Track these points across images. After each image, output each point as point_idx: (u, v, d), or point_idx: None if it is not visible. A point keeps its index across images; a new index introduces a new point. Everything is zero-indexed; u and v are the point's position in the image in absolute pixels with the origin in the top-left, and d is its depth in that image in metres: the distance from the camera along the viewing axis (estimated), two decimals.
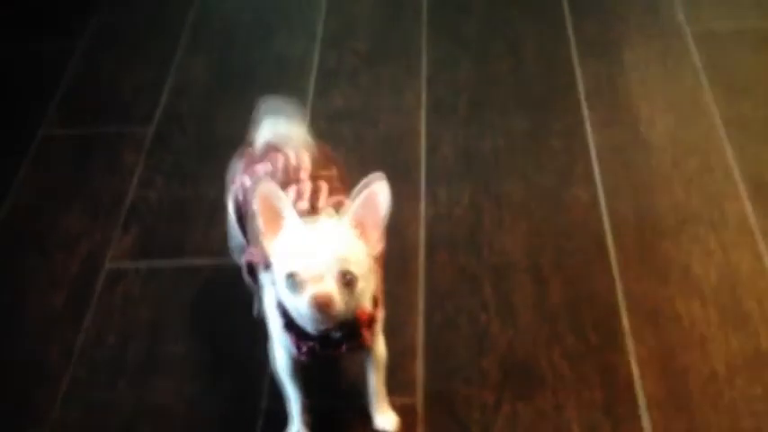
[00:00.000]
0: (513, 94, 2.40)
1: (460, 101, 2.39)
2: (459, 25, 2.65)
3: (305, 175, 1.54)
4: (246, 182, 1.59)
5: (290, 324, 1.44)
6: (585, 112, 2.31)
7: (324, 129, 2.17)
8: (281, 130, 1.68)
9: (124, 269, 2.02)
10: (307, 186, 1.51)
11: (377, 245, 1.40)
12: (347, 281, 1.34)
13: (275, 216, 1.39)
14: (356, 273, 1.35)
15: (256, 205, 1.39)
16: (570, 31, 2.57)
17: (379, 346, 1.58)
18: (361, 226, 1.38)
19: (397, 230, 1.98)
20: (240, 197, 1.60)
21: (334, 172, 1.59)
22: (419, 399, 1.71)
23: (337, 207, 1.45)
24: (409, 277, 1.94)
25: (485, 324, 1.84)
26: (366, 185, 1.37)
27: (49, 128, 2.41)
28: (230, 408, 1.74)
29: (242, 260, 1.56)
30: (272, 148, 1.62)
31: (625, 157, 2.18)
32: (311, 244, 1.36)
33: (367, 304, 1.44)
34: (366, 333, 1.46)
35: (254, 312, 1.79)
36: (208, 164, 2.26)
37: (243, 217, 1.59)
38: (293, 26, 2.70)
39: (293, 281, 1.34)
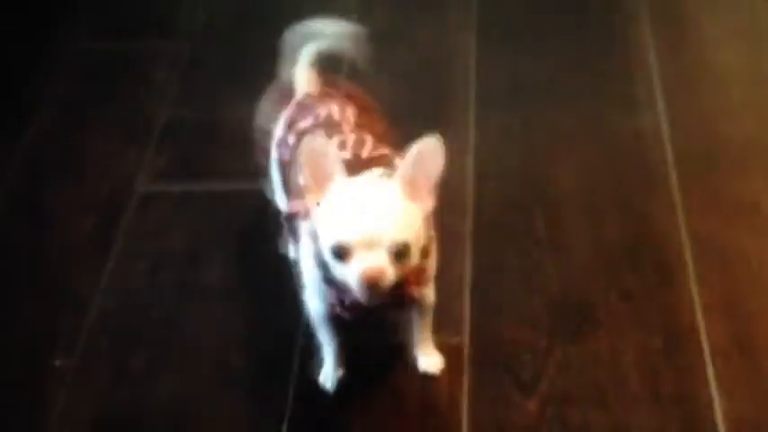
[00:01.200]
0: (568, 14, 2.30)
1: (512, 22, 2.30)
2: None
3: (348, 128, 1.46)
4: (290, 139, 1.50)
5: (329, 279, 1.35)
6: (649, 34, 2.21)
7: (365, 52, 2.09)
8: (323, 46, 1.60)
9: (156, 192, 1.95)
10: (351, 137, 1.42)
11: (428, 203, 1.30)
12: (400, 251, 1.25)
13: (322, 174, 1.29)
14: (410, 242, 1.26)
15: (302, 160, 1.29)
16: None
17: (429, 295, 1.49)
18: (411, 185, 1.29)
19: (445, 159, 1.88)
20: (285, 155, 1.51)
21: (378, 127, 1.50)
22: (465, 340, 1.63)
23: (381, 160, 1.37)
24: (458, 208, 1.85)
25: (536, 261, 1.76)
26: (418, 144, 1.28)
27: (81, 41, 2.34)
28: (265, 341, 1.67)
29: (284, 214, 1.48)
30: (315, 100, 1.53)
31: (691, 85, 2.10)
32: (362, 211, 1.26)
33: (415, 260, 1.33)
34: (413, 289, 1.37)
35: (280, 250, 1.71)
36: (242, 83, 2.16)
37: (286, 174, 1.50)
38: None
39: (341, 251, 1.25)
